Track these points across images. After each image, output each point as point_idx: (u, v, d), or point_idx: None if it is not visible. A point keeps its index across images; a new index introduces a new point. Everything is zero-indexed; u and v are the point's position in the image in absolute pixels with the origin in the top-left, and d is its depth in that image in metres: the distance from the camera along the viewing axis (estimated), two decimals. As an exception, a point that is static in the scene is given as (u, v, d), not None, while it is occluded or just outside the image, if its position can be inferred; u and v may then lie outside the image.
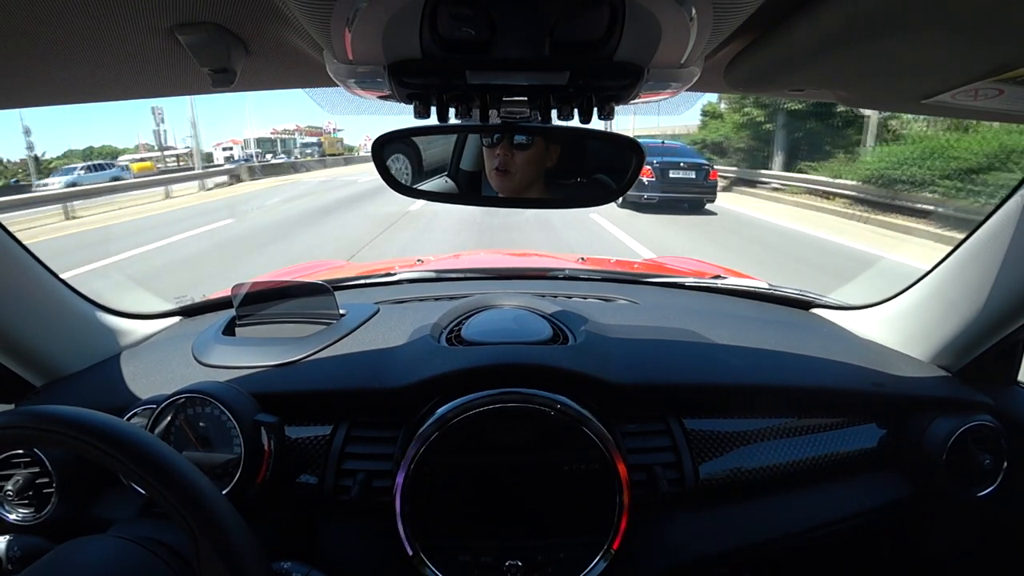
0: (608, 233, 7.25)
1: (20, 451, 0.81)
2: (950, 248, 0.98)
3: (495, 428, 0.78)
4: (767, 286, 1.37)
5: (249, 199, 13.58)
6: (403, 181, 0.73)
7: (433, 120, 0.62)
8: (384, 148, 0.70)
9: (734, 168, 15.32)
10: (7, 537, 0.69)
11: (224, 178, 18.15)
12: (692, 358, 0.97)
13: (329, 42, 0.51)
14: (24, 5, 0.48)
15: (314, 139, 47.55)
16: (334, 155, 41.08)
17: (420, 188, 0.76)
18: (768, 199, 12.13)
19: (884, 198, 9.41)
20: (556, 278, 1.40)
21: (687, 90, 0.65)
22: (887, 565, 1.10)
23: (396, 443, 0.83)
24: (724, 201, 10.77)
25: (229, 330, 1.04)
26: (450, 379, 0.83)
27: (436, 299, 1.21)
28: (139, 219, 10.20)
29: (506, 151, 0.75)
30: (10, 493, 0.80)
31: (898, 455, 0.95)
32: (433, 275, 1.41)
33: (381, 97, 0.66)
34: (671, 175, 9.35)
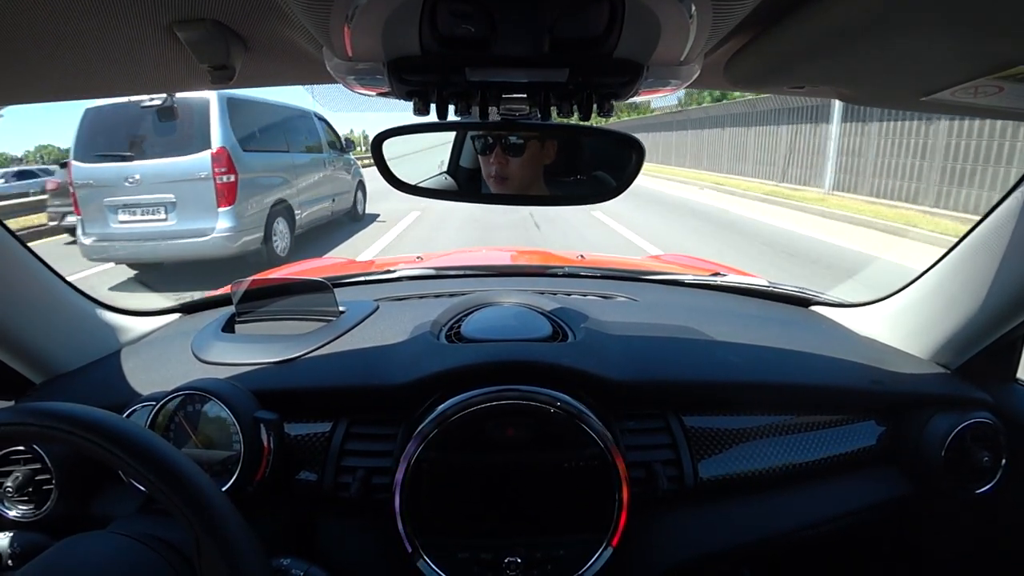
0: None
1: (20, 447, 0.82)
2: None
3: (494, 425, 0.78)
4: (766, 283, 1.37)
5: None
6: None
7: (433, 117, 0.62)
8: (383, 144, 0.70)
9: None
10: (7, 533, 0.69)
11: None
12: (691, 355, 0.97)
13: (328, 39, 0.51)
14: (23, 1, 0.48)
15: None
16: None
17: (420, 185, 0.76)
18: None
19: None
20: (556, 275, 1.40)
21: (687, 87, 0.65)
22: (886, 562, 1.10)
23: (395, 440, 0.83)
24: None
25: (228, 327, 1.04)
26: (450, 376, 0.83)
27: (436, 296, 1.21)
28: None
29: (500, 159, 0.75)
30: (10, 489, 0.80)
31: (897, 452, 0.95)
32: (433, 272, 1.40)
33: (380, 94, 0.66)
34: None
